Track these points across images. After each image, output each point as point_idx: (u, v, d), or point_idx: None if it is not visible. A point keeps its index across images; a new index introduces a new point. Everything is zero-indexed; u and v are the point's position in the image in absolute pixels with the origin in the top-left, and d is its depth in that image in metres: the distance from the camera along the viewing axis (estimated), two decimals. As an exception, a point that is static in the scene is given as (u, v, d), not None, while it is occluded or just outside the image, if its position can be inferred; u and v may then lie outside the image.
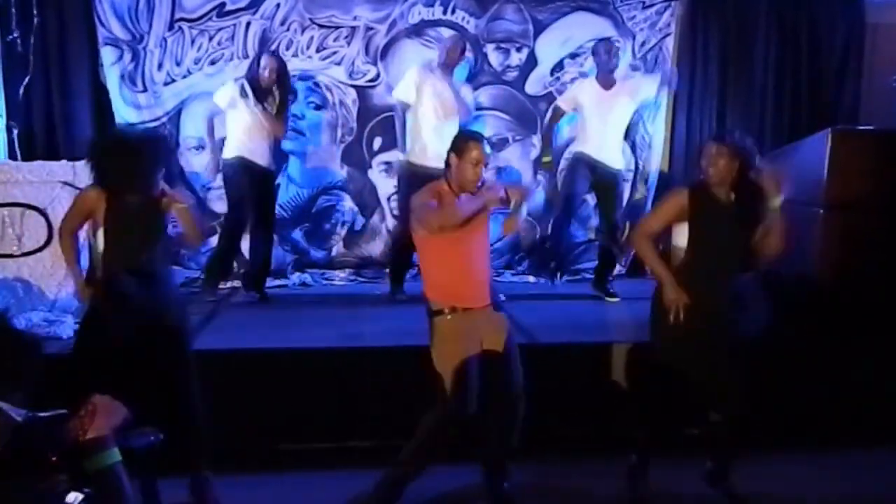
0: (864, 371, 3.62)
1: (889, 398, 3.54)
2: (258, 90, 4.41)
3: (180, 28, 5.05)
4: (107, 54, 4.97)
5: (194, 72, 5.10)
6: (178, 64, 5.09)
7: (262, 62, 4.45)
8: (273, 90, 4.48)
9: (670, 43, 5.50)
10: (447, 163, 2.82)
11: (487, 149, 2.80)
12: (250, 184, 4.44)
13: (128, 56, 5.02)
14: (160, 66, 5.07)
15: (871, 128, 4.35)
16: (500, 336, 2.87)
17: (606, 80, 4.69)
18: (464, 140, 2.81)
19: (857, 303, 3.71)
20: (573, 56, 5.43)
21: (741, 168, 2.81)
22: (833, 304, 3.72)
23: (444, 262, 2.80)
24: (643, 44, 5.48)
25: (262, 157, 4.47)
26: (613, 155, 4.72)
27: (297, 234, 5.35)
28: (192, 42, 5.08)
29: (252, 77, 4.44)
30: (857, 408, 3.53)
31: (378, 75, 5.25)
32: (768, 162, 4.49)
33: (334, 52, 5.20)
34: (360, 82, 5.26)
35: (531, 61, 5.40)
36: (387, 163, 5.32)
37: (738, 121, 5.52)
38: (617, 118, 4.72)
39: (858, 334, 3.66)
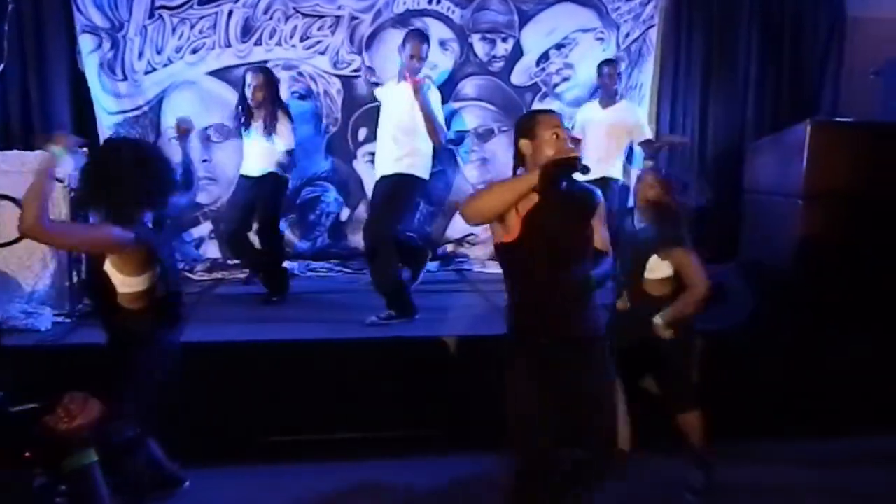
0: (844, 359, 3.68)
1: (868, 386, 3.60)
2: (248, 112, 4.27)
3: (161, 16, 4.98)
4: (85, 42, 4.89)
5: (175, 60, 5.04)
6: (158, 52, 5.02)
7: (248, 80, 4.23)
8: (264, 106, 4.22)
9: (654, 35, 5.52)
10: (519, 156, 2.30)
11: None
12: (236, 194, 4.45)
13: (107, 44, 4.94)
14: (140, 54, 5.00)
15: (849, 120, 4.40)
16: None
17: (607, 102, 4.92)
18: (529, 118, 2.33)
19: (835, 292, 3.77)
20: (559, 47, 5.44)
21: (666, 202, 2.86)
22: (812, 292, 3.78)
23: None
24: (627, 35, 5.49)
25: (253, 168, 4.33)
26: (613, 169, 4.84)
27: (283, 225, 5.31)
28: (173, 30, 5.01)
29: (241, 96, 4.29)
30: (838, 396, 3.59)
31: (362, 65, 5.22)
32: (750, 153, 4.60)
33: (318, 42, 5.16)
34: (345, 72, 5.23)
35: (517, 52, 5.40)
36: (372, 153, 5.30)
37: (721, 112, 5.57)
38: (615, 136, 4.86)
39: (837, 323, 3.72)
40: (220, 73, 5.08)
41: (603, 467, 2.33)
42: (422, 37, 4.04)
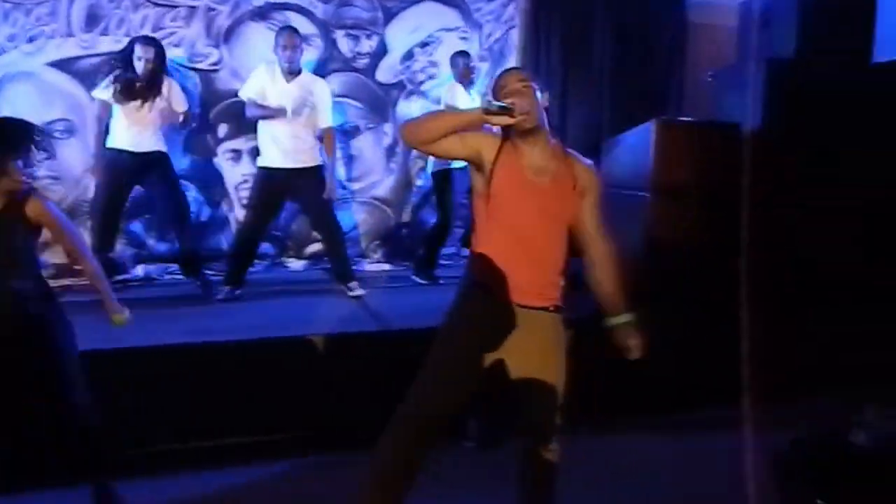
0: (683, 341, 3.98)
1: (704, 364, 3.91)
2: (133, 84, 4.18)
3: (-9, 1, 4.56)
4: None
5: (9, 50, 4.62)
6: (-11, 40, 4.59)
7: (138, 52, 4.18)
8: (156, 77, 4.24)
9: (515, 36, 5.70)
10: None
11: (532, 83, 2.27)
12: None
13: (-73, 30, 4.46)
14: (-32, 42, 4.55)
15: (690, 119, 4.75)
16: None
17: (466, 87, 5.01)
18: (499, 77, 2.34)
19: (680, 281, 4.06)
20: (423, 45, 5.49)
21: None
22: (659, 282, 4.04)
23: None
24: (490, 35, 5.64)
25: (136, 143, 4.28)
26: None
27: (137, 227, 5.02)
28: (6, 17, 4.59)
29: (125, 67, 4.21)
30: (676, 374, 3.89)
31: (221, 59, 5.02)
32: (606, 150, 4.86)
33: (172, 34, 4.91)
34: (202, 66, 5.00)
35: (382, 49, 5.40)
36: (234, 150, 5.12)
37: (580, 111, 5.84)
38: None
39: (682, 311, 4.01)
40: (62, 65, 4.71)
41: (541, 444, 2.27)
42: (291, 28, 4.33)
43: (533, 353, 2.22)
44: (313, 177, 4.32)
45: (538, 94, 2.20)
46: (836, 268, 4.28)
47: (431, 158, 5.57)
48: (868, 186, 4.29)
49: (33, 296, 2.48)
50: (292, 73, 4.28)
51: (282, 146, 4.25)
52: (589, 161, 2.35)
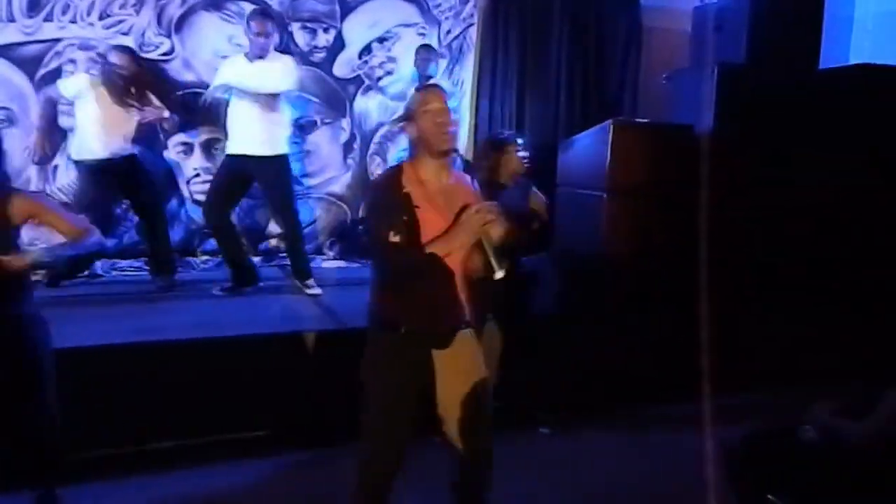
0: (642, 338, 4.06)
1: (660, 360, 3.99)
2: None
3: (-77, -19, 4.33)
4: None
5: (-55, 34, 4.40)
6: (-78, 23, 4.36)
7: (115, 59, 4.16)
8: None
9: (474, 33, 5.69)
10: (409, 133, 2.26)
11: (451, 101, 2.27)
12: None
13: None
14: None
15: (646, 121, 4.82)
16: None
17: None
18: (412, 98, 2.32)
19: (633, 277, 4.13)
20: (381, 40, 5.43)
21: None
22: (613, 278, 4.10)
23: None
24: (449, 32, 5.61)
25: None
26: None
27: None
28: (-59, -1, 4.37)
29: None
30: (635, 369, 3.96)
31: (172, 48, 4.87)
32: (563, 150, 4.90)
33: (121, 21, 4.73)
34: (153, 55, 4.85)
35: (339, 43, 5.32)
36: (185, 143, 4.98)
37: (536, 110, 5.87)
38: None
39: (635, 305, 4.07)
40: (2, 51, 4.50)
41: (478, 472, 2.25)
42: (265, 13, 4.32)
43: (458, 373, 2.19)
44: (279, 166, 4.27)
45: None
46: (789, 268, 4.41)
47: (391, 153, 5.55)
48: (817, 188, 4.43)
49: (17, 295, 2.39)
50: (260, 57, 4.22)
51: (249, 131, 4.20)
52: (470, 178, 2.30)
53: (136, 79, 4.21)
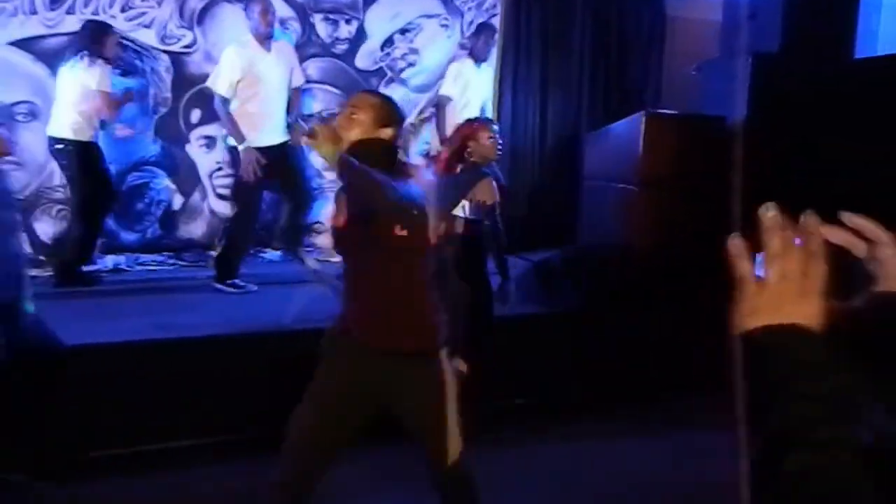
0: (667, 334, 3.98)
1: (694, 357, 3.91)
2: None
3: (-54, -26, 4.30)
4: None
5: (-33, 27, 4.37)
6: (-55, 16, 4.33)
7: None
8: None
9: (497, 24, 5.61)
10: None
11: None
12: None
13: None
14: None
15: (677, 113, 4.74)
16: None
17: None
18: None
19: (668, 273, 4.05)
20: (403, 32, 5.37)
21: None
22: (648, 274, 4.03)
23: None
24: (471, 23, 5.54)
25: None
26: None
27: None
28: (-37, -9, 4.33)
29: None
30: (669, 365, 3.88)
31: (195, 41, 4.83)
32: (589, 142, 4.84)
33: (143, 14, 4.69)
34: (175, 48, 4.80)
35: (361, 35, 5.26)
36: (208, 137, 4.94)
37: (558, 102, 5.80)
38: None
39: (671, 302, 4.00)
40: (24, 44, 4.46)
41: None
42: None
43: (420, 404, 2.06)
44: (291, 147, 4.26)
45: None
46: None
47: (413, 146, 5.48)
48: (849, 179, 4.33)
49: None
50: (268, 38, 4.16)
51: (274, 120, 4.15)
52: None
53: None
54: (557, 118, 5.80)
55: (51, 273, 4.17)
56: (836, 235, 0.78)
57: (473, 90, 4.91)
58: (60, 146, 4.07)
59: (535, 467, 3.15)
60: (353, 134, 2.00)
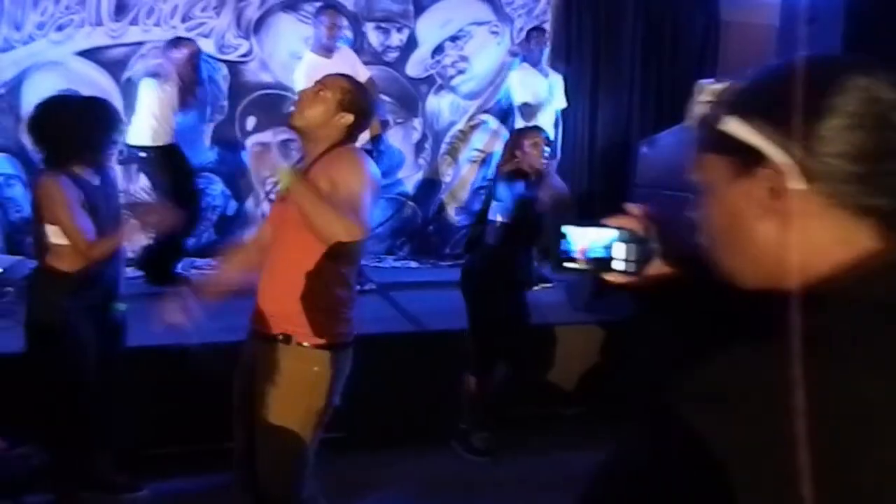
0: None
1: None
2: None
3: (19, -13, 4.48)
4: (-73, 13, 4.33)
5: (37, 38, 4.54)
6: (17, 28, 4.51)
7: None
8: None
9: (547, 30, 5.59)
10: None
11: None
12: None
13: (-45, 16, 4.39)
14: (-5, 29, 4.47)
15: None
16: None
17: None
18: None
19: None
20: (454, 39, 5.40)
21: None
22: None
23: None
24: (521, 30, 5.53)
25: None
26: None
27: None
28: (35, 4, 4.51)
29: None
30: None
31: (251, 50, 4.94)
32: (643, 149, 4.77)
33: (202, 24, 4.82)
34: (232, 57, 4.92)
35: (412, 42, 5.31)
36: (262, 143, 5.04)
37: (609, 109, 5.75)
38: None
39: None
40: (90, 54, 4.63)
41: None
42: (336, 9, 4.39)
43: (262, 392, 1.98)
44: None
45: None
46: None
47: (462, 153, 5.49)
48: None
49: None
50: (331, 50, 4.29)
51: None
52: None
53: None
54: (608, 124, 5.75)
55: (141, 273, 4.25)
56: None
57: (542, 93, 4.96)
58: (143, 154, 4.22)
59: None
60: (315, 111, 1.99)
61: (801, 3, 4.57)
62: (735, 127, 0.67)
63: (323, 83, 2.05)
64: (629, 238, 0.95)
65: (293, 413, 1.96)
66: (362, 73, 4.42)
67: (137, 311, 2.66)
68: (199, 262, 4.98)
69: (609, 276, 0.96)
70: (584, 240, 0.97)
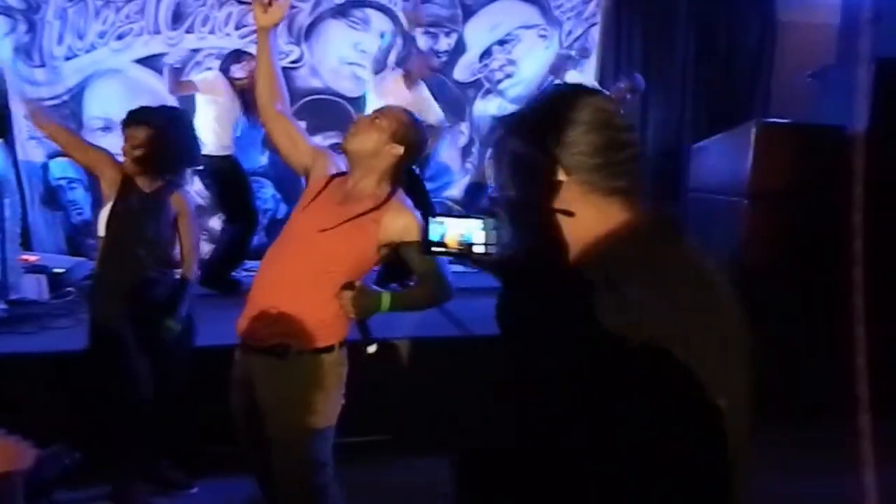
0: (784, 354, 3.76)
1: (810, 380, 3.69)
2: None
3: (83, -2, 4.66)
4: (-2, 24, 4.53)
5: (99, 46, 4.72)
6: (80, 37, 4.69)
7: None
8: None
9: (596, 33, 5.54)
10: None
11: None
12: None
13: (23, 27, 4.58)
14: (60, 38, 4.65)
15: (791, 122, 4.51)
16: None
17: None
18: None
19: (780, 290, 3.85)
20: (502, 43, 5.39)
21: None
22: (758, 291, 3.83)
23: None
24: (570, 33, 5.49)
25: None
26: None
27: (215, 223, 5.05)
28: (97, 14, 4.68)
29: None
30: (781, 389, 3.67)
31: (301, 56, 5.02)
32: (695, 153, 4.67)
33: (255, 31, 4.90)
34: (283, 63, 4.99)
35: (460, 47, 5.31)
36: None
37: (660, 112, 5.65)
38: None
39: (782, 321, 3.79)
40: (147, 62, 4.78)
41: None
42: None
43: (267, 407, 1.96)
44: None
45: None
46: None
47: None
48: None
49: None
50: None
51: None
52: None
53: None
54: (659, 129, 5.65)
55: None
56: None
57: None
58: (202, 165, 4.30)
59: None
60: (368, 138, 1.99)
61: (864, 1, 4.40)
62: (515, 144, 0.96)
63: (381, 112, 2.08)
64: (490, 226, 1.16)
65: (312, 422, 1.95)
66: (434, 114, 4.44)
67: (194, 313, 2.73)
68: (251, 264, 5.08)
69: (473, 258, 1.18)
70: (459, 228, 1.19)
